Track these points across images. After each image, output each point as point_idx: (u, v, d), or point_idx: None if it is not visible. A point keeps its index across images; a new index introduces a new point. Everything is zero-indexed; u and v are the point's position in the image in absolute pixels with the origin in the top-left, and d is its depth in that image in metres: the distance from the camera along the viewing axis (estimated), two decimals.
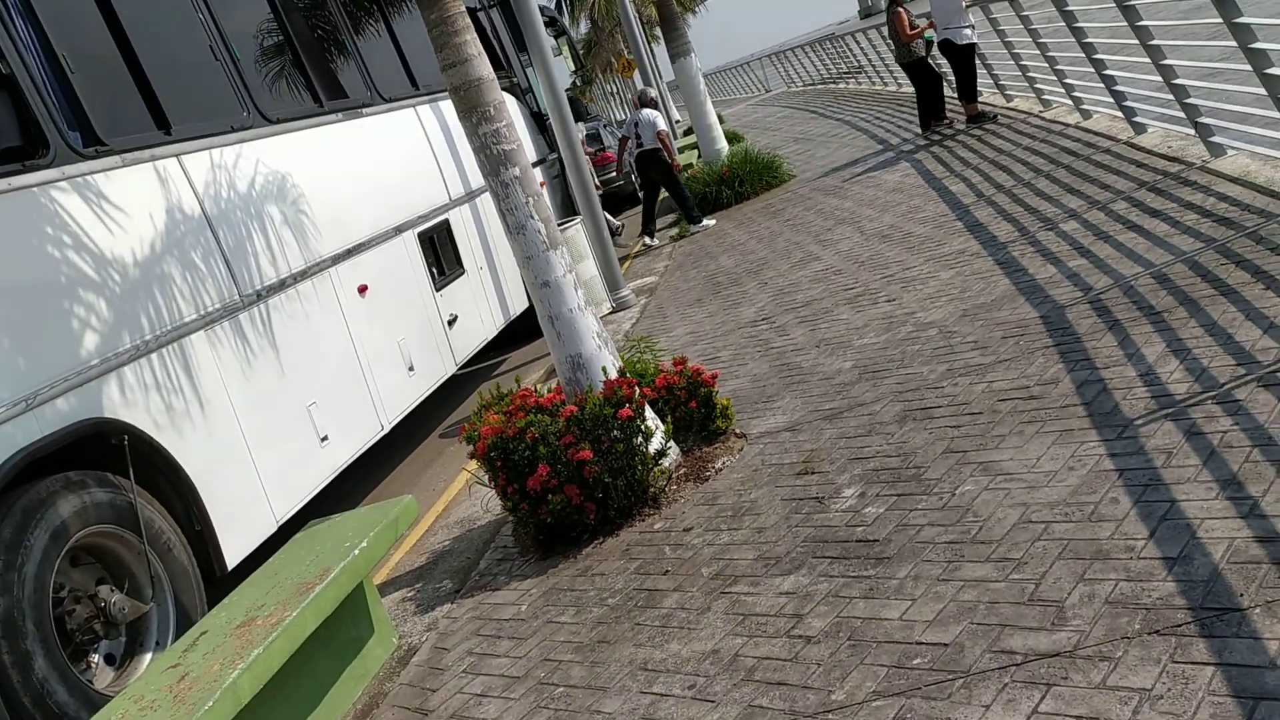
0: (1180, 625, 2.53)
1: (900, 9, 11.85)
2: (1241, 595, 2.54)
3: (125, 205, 5.01)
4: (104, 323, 4.71)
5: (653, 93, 13.53)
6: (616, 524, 4.52)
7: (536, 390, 5.00)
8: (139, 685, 3.29)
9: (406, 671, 4.05)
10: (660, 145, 12.09)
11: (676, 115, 26.94)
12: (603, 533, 4.51)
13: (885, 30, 13.96)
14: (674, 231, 12.68)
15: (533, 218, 4.70)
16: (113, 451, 4.63)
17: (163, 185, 5.31)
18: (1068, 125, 9.13)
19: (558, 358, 4.86)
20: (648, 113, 12.31)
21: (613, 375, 4.74)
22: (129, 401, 4.74)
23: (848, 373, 5.27)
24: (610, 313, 9.27)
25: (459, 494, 6.11)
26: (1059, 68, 9.12)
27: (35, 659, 3.94)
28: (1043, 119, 9.96)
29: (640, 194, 13.73)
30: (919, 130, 12.13)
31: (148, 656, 4.64)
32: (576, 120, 9.98)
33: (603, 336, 4.89)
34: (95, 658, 4.47)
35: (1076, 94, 8.90)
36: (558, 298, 4.76)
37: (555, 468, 4.39)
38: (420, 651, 4.17)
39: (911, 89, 12.69)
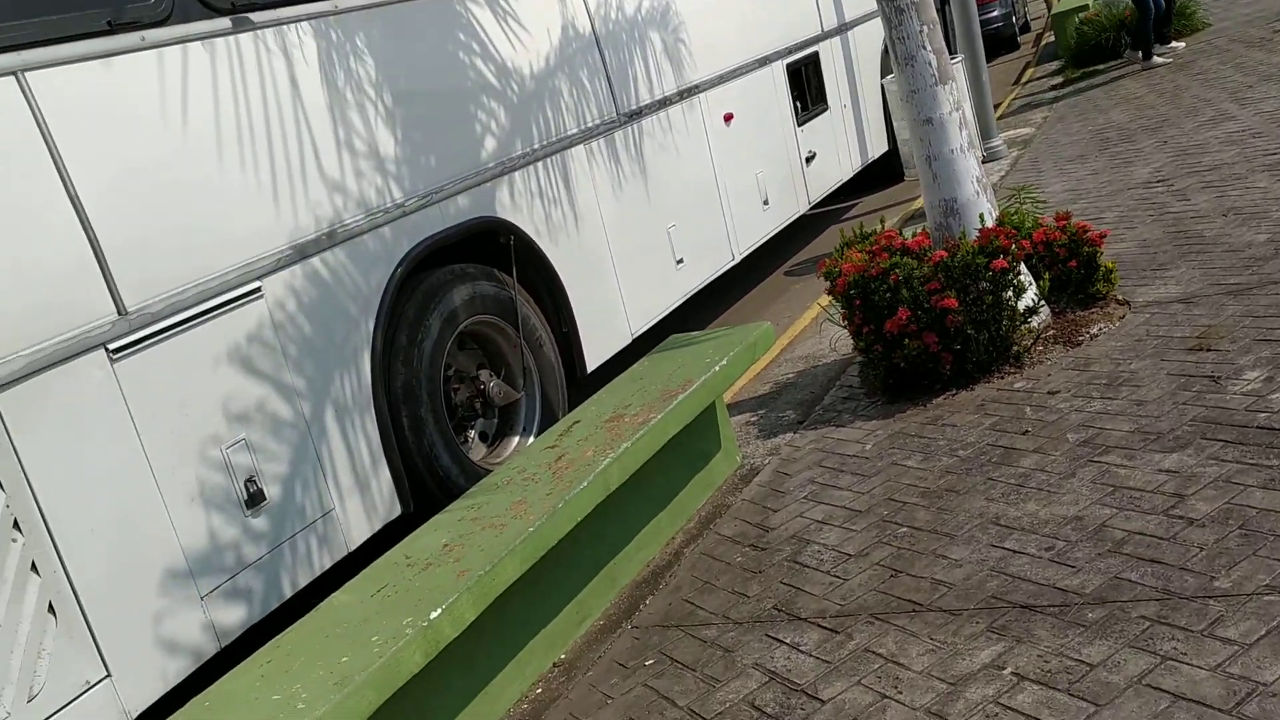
0: None
1: None
2: None
3: (526, 20, 5.26)
4: (501, 129, 5.04)
5: None
6: (973, 378, 4.38)
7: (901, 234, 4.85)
8: (521, 459, 3.63)
9: (748, 489, 4.20)
10: None
11: None
12: (956, 385, 4.39)
13: None
14: (1057, 80, 11.66)
15: (924, 48, 4.46)
16: (500, 250, 5.02)
17: (560, 2, 5.51)
18: None
19: (930, 201, 4.66)
20: None
21: (989, 224, 4.49)
22: (516, 205, 5.09)
23: (1261, 246, 4.69)
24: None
25: (804, 330, 6.14)
26: None
27: (427, 425, 4.45)
28: None
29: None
30: None
31: (514, 439, 5.13)
32: None
33: (982, 182, 4.63)
34: (471, 433, 4.99)
35: None
36: (940, 136, 4.53)
37: (916, 313, 4.28)
38: (762, 473, 4.31)
39: None
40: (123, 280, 3.38)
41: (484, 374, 4.97)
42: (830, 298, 4.79)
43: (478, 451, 4.95)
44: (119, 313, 3.36)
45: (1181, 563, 2.74)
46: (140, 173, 3.49)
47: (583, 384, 5.40)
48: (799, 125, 7.69)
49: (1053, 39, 14.22)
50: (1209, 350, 3.86)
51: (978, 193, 4.58)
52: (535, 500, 3.23)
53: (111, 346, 3.32)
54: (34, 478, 3.08)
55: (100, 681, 3.18)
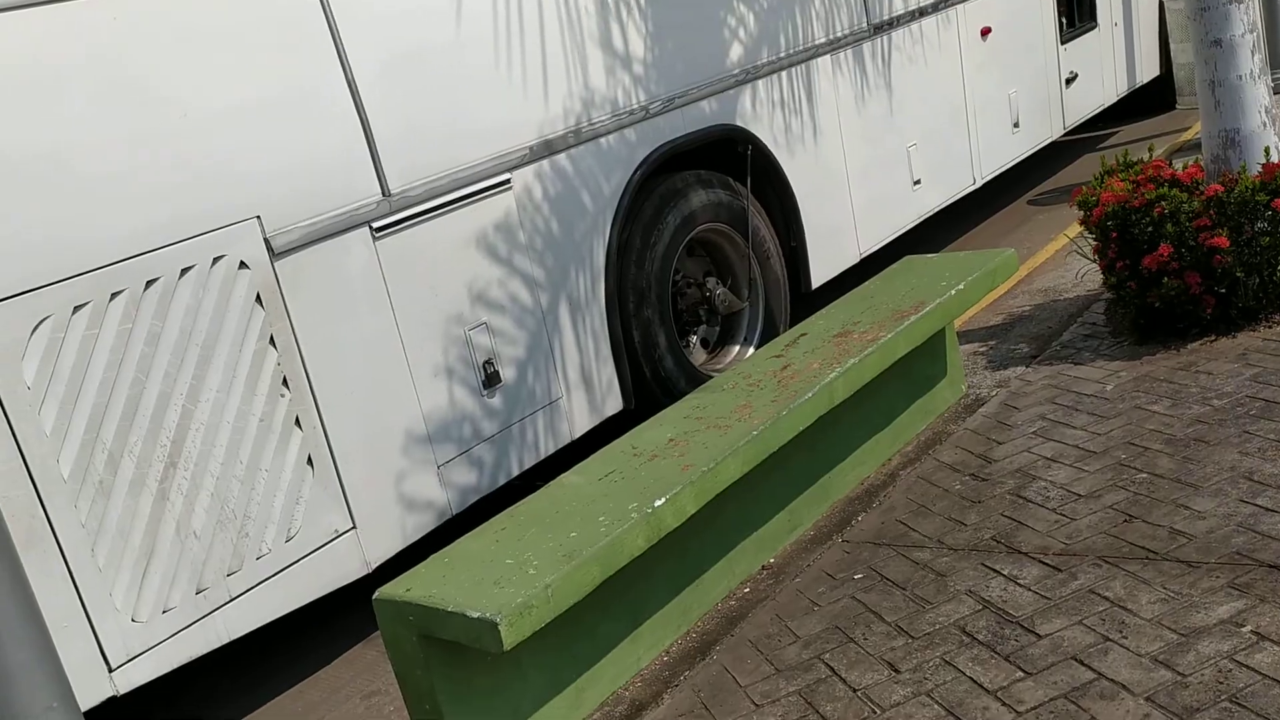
0: None
1: None
2: None
3: None
4: (748, 36, 4.98)
5: None
6: (1236, 324, 4.06)
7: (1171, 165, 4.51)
8: (747, 365, 3.67)
9: (972, 419, 4.09)
10: None
11: None
12: (1216, 330, 4.09)
13: None
14: None
15: None
16: (735, 158, 5.00)
17: None
18: None
19: (1208, 130, 4.30)
20: None
21: (1275, 159, 4.11)
22: (756, 115, 5.04)
23: None
24: None
25: (1046, 262, 5.84)
26: None
27: (653, 326, 4.55)
28: None
29: None
30: None
31: (734, 348, 5.17)
32: None
33: (1271, 113, 4.22)
34: (694, 339, 5.06)
35: None
36: (1227, 60, 4.14)
37: (1179, 250, 3.99)
38: (988, 404, 4.18)
39: None
40: (389, 164, 3.60)
41: (710, 281, 5.02)
42: (1082, 228, 4.53)
43: (698, 356, 5.03)
44: (383, 194, 3.58)
45: None
46: (411, 63, 3.67)
47: (806, 299, 5.37)
48: (1062, 43, 7.20)
49: None
50: None
51: (1264, 124, 4.18)
52: (760, 406, 3.26)
53: (375, 225, 3.56)
54: (302, 340, 3.37)
55: (347, 532, 3.49)
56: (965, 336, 5.03)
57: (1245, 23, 4.14)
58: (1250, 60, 4.15)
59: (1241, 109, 4.16)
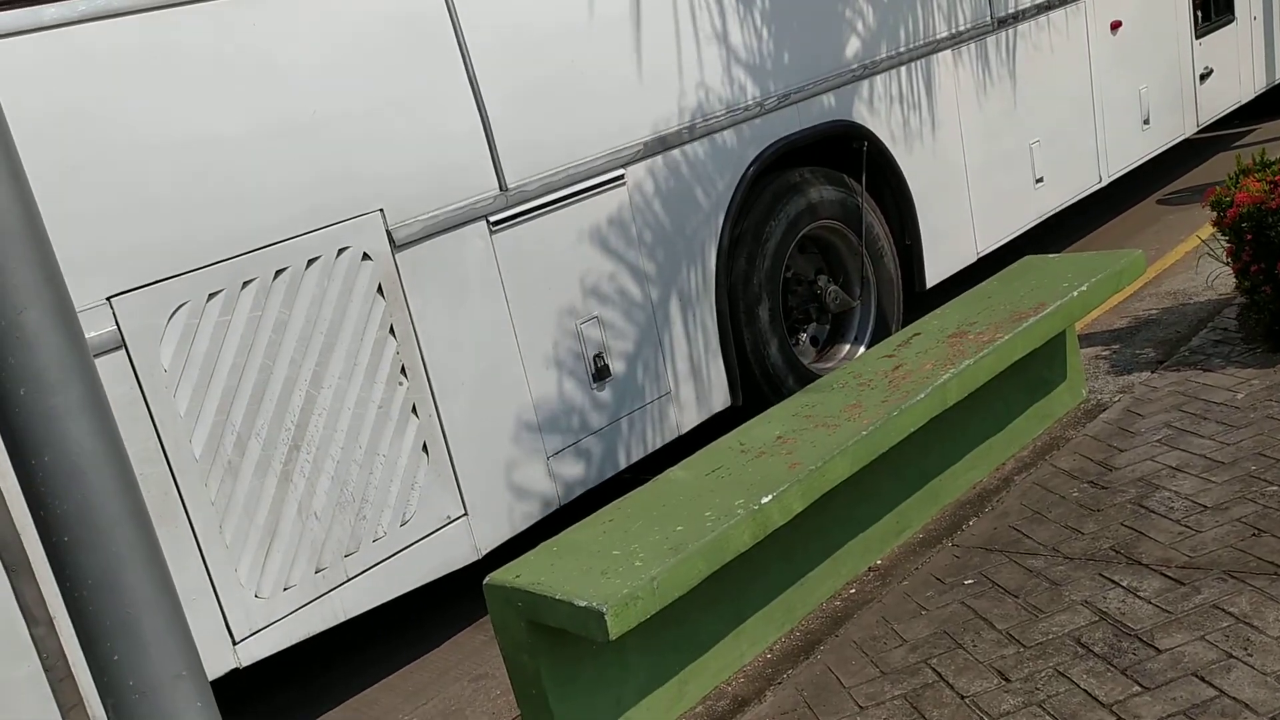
0: None
1: None
2: None
3: None
4: (866, 29, 4.91)
5: None
6: None
7: None
8: (858, 364, 3.63)
9: (1092, 425, 3.97)
10: None
11: None
12: None
13: None
14: None
15: None
16: (850, 154, 4.94)
17: None
18: None
19: None
20: None
21: None
22: (873, 111, 4.97)
23: None
24: None
25: (1175, 264, 5.62)
26: None
27: (763, 323, 4.54)
28: None
29: None
30: None
31: (845, 346, 5.11)
32: None
33: None
34: (803, 336, 5.02)
35: None
36: None
37: None
38: (1110, 410, 4.05)
39: None
40: (507, 159, 3.67)
41: (822, 279, 4.97)
42: (1215, 229, 4.34)
43: (807, 355, 4.99)
44: (500, 189, 3.66)
45: None
46: (529, 58, 3.74)
47: (920, 298, 5.27)
48: (1197, 38, 6.91)
49: None
50: None
51: None
52: (870, 405, 3.23)
53: (493, 219, 3.63)
54: (420, 330, 3.47)
55: (459, 518, 3.57)
56: (1088, 340, 4.87)
57: None
58: None
59: None
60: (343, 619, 3.31)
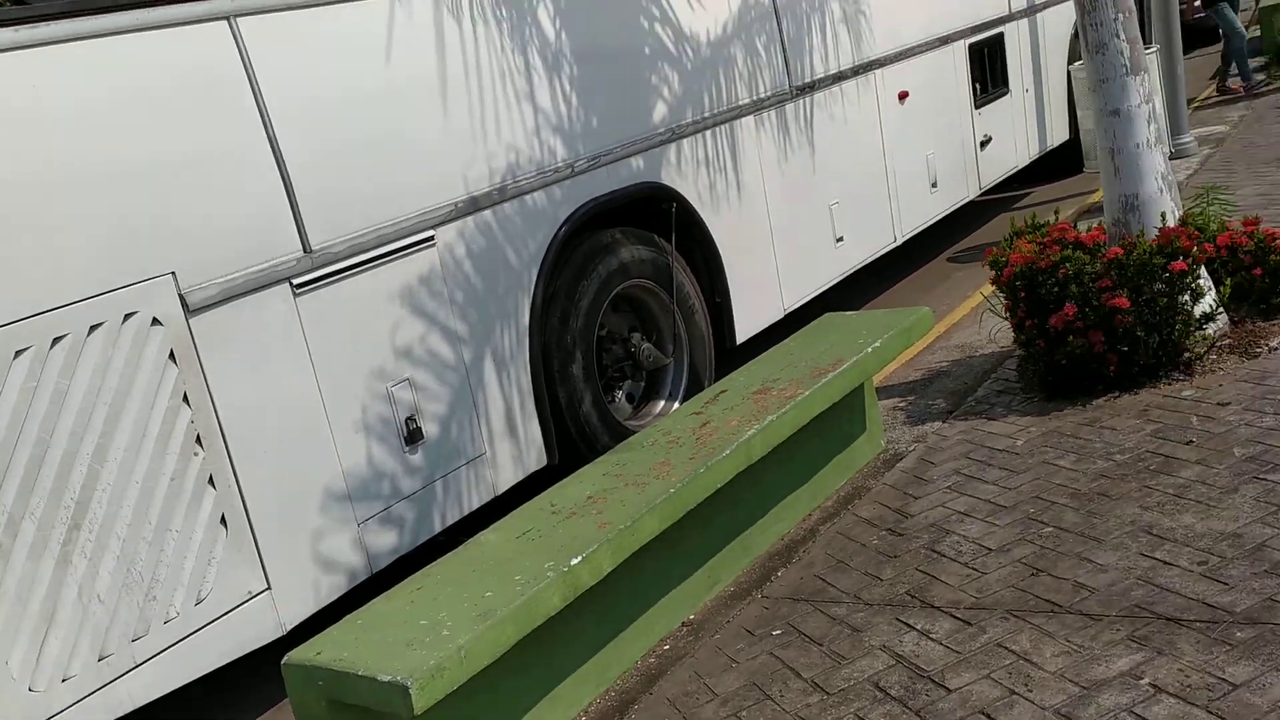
0: None
1: None
2: None
3: None
4: (673, 95, 5.08)
5: None
6: (1138, 382, 4.21)
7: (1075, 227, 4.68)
8: (667, 422, 3.70)
9: (890, 474, 4.17)
10: None
11: None
12: (1120, 388, 4.23)
13: None
14: (1260, 77, 10.95)
15: (1118, 37, 4.27)
16: (660, 215, 5.08)
17: None
18: None
19: (1110, 195, 4.48)
20: None
21: (1171, 223, 4.30)
22: (681, 173, 5.13)
23: None
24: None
25: (963, 319, 6.00)
26: None
27: (577, 382, 4.57)
28: None
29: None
30: None
31: (660, 403, 5.21)
32: None
33: (1167, 179, 4.42)
34: (619, 393, 5.09)
35: None
36: (1126, 129, 4.34)
37: (1083, 310, 4.14)
38: (906, 459, 4.26)
39: None
40: (310, 220, 3.59)
41: (635, 337, 5.06)
42: (994, 287, 4.67)
43: (623, 412, 5.05)
44: (304, 250, 3.57)
45: None
46: (333, 118, 3.68)
47: (731, 354, 5.44)
48: (976, 108, 7.47)
49: (1258, 34, 13.33)
50: None
51: (1161, 190, 4.38)
52: (678, 463, 3.29)
53: (296, 281, 3.54)
54: (217, 398, 3.33)
55: (261, 593, 3.42)
56: (885, 391, 5.13)
57: (1142, 93, 4.35)
58: (1147, 129, 4.35)
59: (1139, 175, 4.35)
60: (131, 708, 3.10)
